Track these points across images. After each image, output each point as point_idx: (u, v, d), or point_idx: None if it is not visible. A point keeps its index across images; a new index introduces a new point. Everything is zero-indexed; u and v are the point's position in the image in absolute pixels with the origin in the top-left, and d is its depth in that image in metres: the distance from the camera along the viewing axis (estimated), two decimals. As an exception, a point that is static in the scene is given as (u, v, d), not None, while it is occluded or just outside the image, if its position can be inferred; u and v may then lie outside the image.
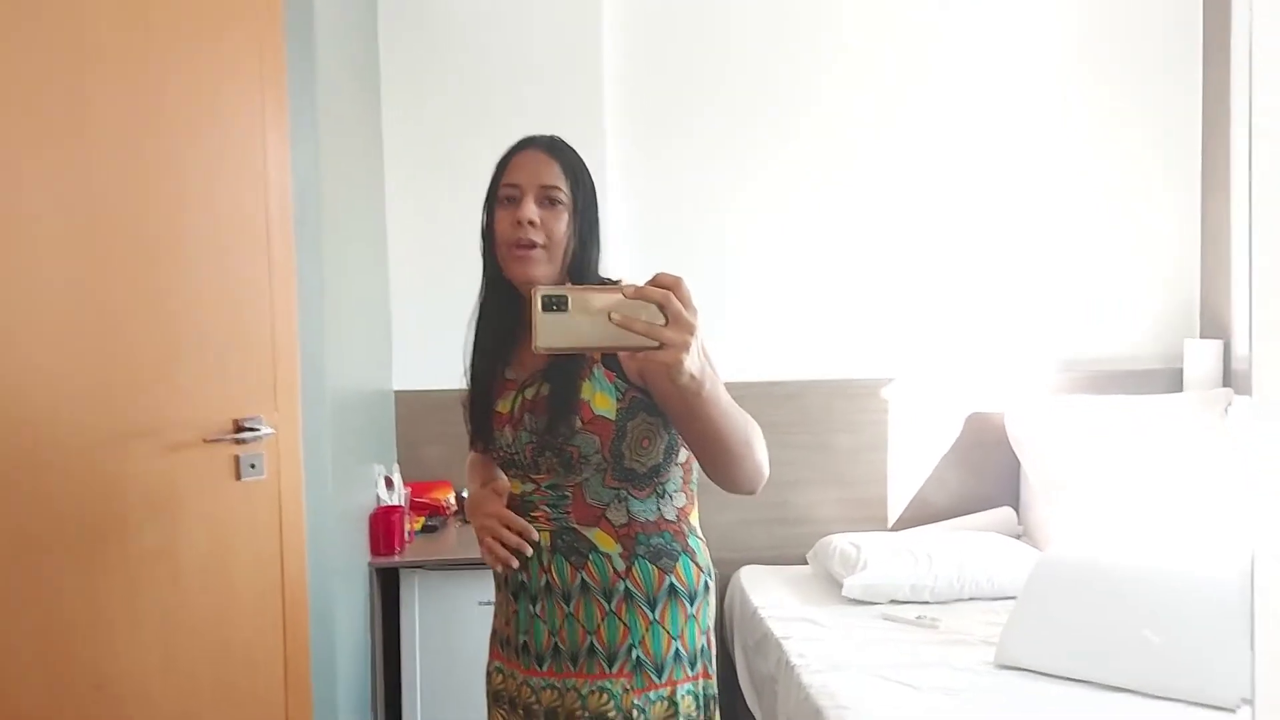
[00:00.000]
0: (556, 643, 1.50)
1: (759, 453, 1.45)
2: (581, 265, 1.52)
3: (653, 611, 1.49)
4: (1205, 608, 2.19)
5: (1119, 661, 2.21)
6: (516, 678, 1.55)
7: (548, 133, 1.56)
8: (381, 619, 2.79)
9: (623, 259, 3.20)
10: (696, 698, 1.51)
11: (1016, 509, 3.28)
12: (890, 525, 3.30)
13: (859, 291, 3.33)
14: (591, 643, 1.49)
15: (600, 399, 1.49)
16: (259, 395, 2.03)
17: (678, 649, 1.49)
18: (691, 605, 1.51)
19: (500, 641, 1.60)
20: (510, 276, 1.50)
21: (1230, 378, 3.19)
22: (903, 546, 2.95)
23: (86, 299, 1.86)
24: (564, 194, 1.49)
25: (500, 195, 1.50)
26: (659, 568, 1.50)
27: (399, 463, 3.15)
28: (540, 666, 1.51)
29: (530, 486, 1.53)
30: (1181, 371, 3.30)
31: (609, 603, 1.49)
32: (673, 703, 1.48)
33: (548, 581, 1.50)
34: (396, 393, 3.20)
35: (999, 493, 3.31)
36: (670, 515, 1.54)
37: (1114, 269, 3.36)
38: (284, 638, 2.09)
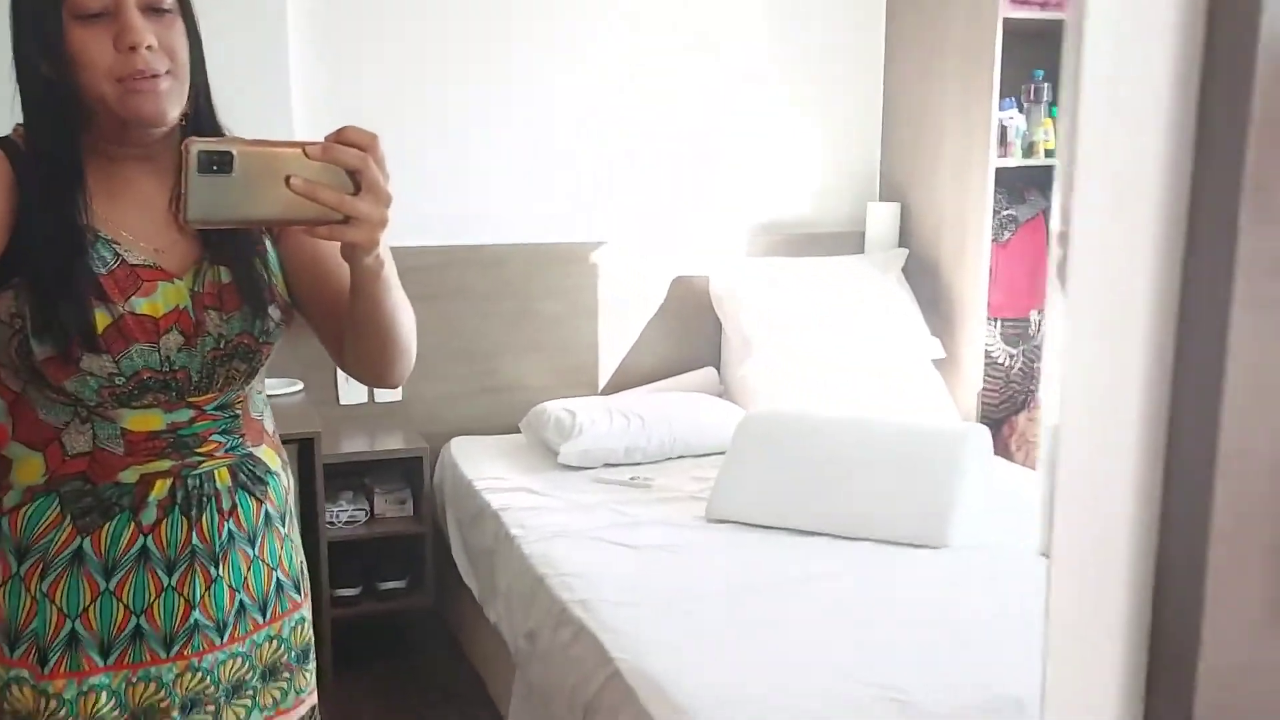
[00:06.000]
0: (243, 599, 1.24)
1: (413, 342, 1.23)
2: (201, 92, 1.17)
3: (292, 525, 1.35)
4: (887, 453, 2.37)
5: (817, 508, 2.36)
6: (103, 684, 1.17)
7: None
8: None
9: (301, 117, 2.90)
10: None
11: (719, 369, 3.40)
12: (600, 389, 3.32)
13: (566, 155, 3.23)
14: (278, 579, 1.29)
15: (280, 278, 1.24)
16: None
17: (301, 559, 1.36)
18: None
19: (61, 643, 1.16)
20: (130, 119, 1.09)
21: (905, 238, 3.43)
22: (615, 409, 2.97)
23: None
24: None
25: (72, 6, 1.06)
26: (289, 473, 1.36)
27: None
28: (221, 639, 1.22)
29: (187, 413, 1.18)
30: (863, 234, 3.51)
31: (284, 526, 1.31)
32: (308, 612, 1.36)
33: (231, 529, 1.22)
34: None
35: (703, 354, 3.41)
36: None
37: (805, 137, 3.48)
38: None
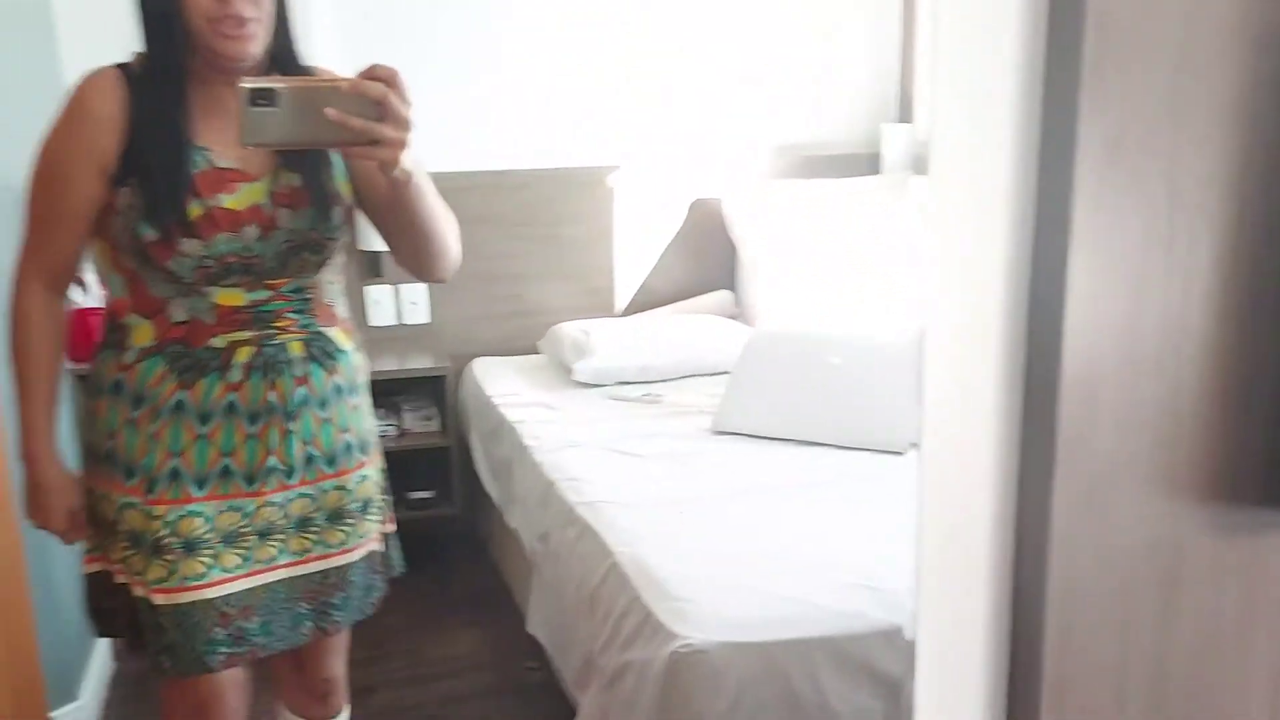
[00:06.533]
0: (312, 452, 1.48)
1: (456, 242, 1.48)
2: (284, 33, 1.41)
3: (364, 398, 1.59)
4: (883, 367, 2.46)
5: (815, 419, 2.46)
6: (198, 511, 1.43)
7: None
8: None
9: (329, 46, 2.99)
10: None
11: (734, 291, 3.48)
12: (618, 311, 3.43)
13: (584, 79, 3.30)
14: (347, 440, 1.53)
15: (345, 185, 1.47)
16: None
17: (371, 427, 1.61)
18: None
19: (165, 475, 1.42)
20: (219, 56, 1.33)
21: (917, 161, 3.47)
22: (629, 331, 3.08)
23: None
24: None
25: None
26: (362, 356, 1.59)
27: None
28: (291, 480, 1.47)
29: (265, 294, 1.41)
30: (879, 156, 3.55)
31: (355, 397, 1.54)
32: (376, 473, 1.61)
33: (304, 394, 1.46)
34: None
35: (718, 276, 3.50)
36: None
37: (822, 57, 3.50)
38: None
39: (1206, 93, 0.63)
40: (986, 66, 0.67)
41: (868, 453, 2.38)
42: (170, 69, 1.35)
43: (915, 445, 2.37)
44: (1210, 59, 0.62)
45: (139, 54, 1.38)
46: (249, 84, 1.17)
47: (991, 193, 0.68)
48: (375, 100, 1.19)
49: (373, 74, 1.20)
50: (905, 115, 3.57)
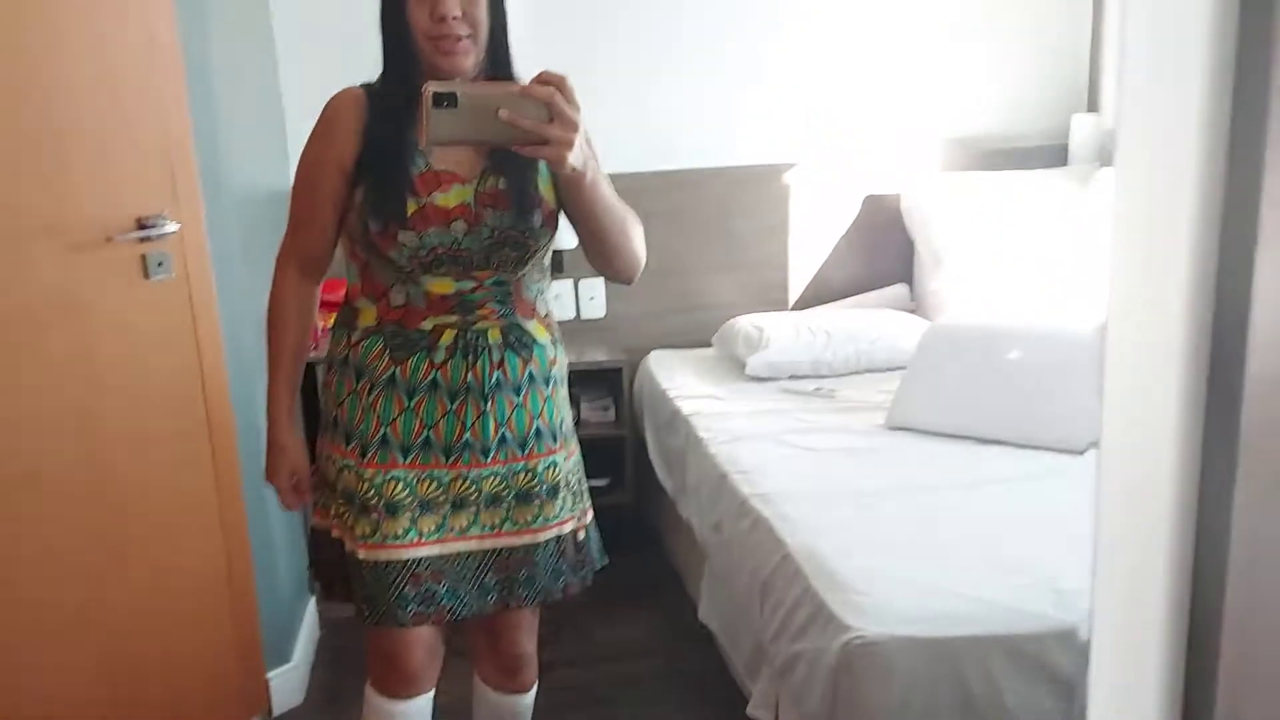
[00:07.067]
0: (505, 433, 1.60)
1: (636, 242, 1.58)
2: (501, 47, 1.55)
3: (557, 389, 1.69)
4: (1063, 363, 2.38)
5: (992, 416, 2.42)
6: (401, 476, 1.59)
7: None
8: (303, 414, 2.85)
9: (518, 52, 3.12)
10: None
11: (910, 285, 3.44)
12: (791, 306, 3.44)
13: (758, 78, 3.32)
14: (538, 426, 1.64)
15: (548, 190, 1.58)
16: (159, 192, 1.98)
17: (563, 418, 1.71)
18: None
19: (376, 441, 1.59)
20: (437, 68, 1.49)
21: (1104, 152, 3.33)
22: (803, 325, 3.09)
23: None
24: None
25: None
26: (560, 351, 1.70)
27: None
28: (484, 458, 1.60)
29: (470, 284, 1.56)
30: (1067, 147, 3.43)
31: (548, 388, 1.65)
32: (566, 461, 1.71)
33: (499, 378, 1.58)
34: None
35: (894, 270, 3.46)
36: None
37: (1005, 44, 3.41)
38: (209, 432, 2.14)
39: None
40: (1175, 55, 0.67)
41: (1046, 451, 2.32)
42: (403, 85, 1.51)
43: (1094, 444, 2.30)
44: None
45: (381, 76, 1.58)
46: (433, 88, 1.27)
47: (1177, 185, 0.68)
48: (544, 102, 1.28)
49: (543, 79, 1.30)
50: (1093, 105, 3.44)
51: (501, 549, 1.64)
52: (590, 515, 1.77)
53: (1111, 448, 0.73)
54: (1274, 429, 0.66)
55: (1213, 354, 0.68)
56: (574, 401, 3.23)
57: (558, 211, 1.60)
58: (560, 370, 1.70)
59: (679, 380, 3.07)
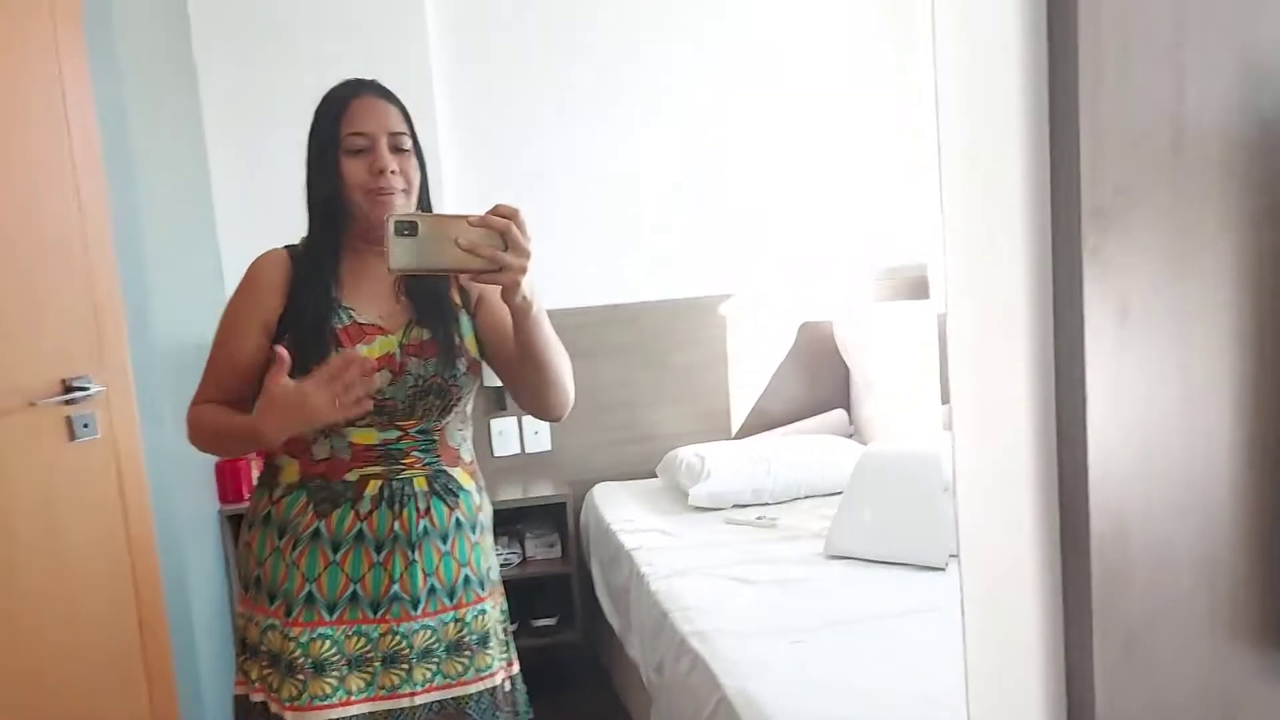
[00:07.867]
0: (434, 583, 1.60)
1: (569, 378, 1.60)
2: (425, 197, 1.63)
3: (484, 536, 1.69)
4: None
5: (925, 542, 2.44)
6: (328, 634, 1.55)
7: (370, 74, 1.61)
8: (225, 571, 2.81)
9: (455, 190, 3.22)
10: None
11: (848, 410, 3.49)
12: (734, 434, 3.48)
13: (694, 214, 3.44)
14: (465, 574, 1.63)
15: (470, 341, 1.63)
16: (84, 353, 2.00)
17: (490, 565, 1.70)
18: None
19: (301, 599, 1.55)
20: (373, 216, 1.54)
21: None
22: (743, 454, 3.12)
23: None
24: (408, 138, 1.57)
25: (345, 145, 1.54)
26: (485, 498, 1.70)
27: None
28: (414, 610, 1.58)
29: (395, 433, 1.58)
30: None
31: (475, 534, 1.65)
32: (494, 609, 1.69)
33: (426, 526, 1.58)
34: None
35: (832, 396, 3.52)
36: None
37: (927, 180, 3.56)
38: (135, 593, 2.11)
39: (1213, 260, 0.66)
40: (996, 240, 0.72)
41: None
42: (328, 241, 1.58)
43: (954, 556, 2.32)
44: (1209, 236, 0.66)
45: (304, 238, 1.62)
46: (396, 217, 1.35)
47: (1013, 355, 0.72)
48: (499, 232, 1.35)
49: (496, 211, 1.37)
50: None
51: (433, 703, 1.61)
52: (516, 666, 1.75)
53: (973, 594, 0.76)
54: (1124, 574, 0.68)
55: (1061, 503, 0.71)
56: (520, 538, 3.24)
57: (479, 361, 1.64)
58: (486, 517, 1.70)
59: (624, 513, 3.07)
